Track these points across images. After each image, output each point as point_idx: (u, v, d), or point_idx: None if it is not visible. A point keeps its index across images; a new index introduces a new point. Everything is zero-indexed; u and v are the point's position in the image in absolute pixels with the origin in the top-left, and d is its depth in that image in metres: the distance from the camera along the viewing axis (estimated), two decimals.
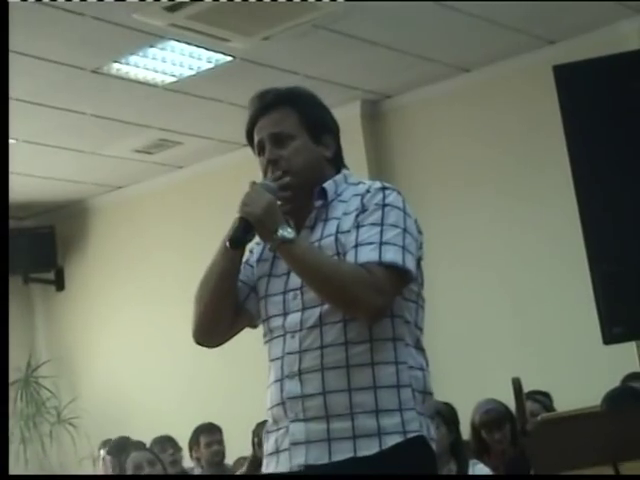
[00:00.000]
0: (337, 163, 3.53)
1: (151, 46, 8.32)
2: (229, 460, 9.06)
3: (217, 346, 3.56)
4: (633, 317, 2.53)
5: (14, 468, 10.48)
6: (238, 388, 10.01)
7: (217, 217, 9.12)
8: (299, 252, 3.29)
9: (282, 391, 3.30)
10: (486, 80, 9.27)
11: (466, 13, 8.23)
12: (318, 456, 3.24)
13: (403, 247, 3.26)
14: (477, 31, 8.56)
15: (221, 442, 9.04)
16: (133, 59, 8.51)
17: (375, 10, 8.00)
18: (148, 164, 10.73)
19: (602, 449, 3.07)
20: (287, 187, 3.39)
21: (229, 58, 8.65)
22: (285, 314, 3.34)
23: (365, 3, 7.82)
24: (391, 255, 3.23)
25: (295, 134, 3.46)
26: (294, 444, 3.27)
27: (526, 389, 5.61)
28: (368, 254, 3.24)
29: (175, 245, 10.75)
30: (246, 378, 9.90)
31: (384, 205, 3.32)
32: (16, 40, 7.89)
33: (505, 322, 8.84)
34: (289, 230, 3.28)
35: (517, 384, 2.87)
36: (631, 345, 4.37)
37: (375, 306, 3.23)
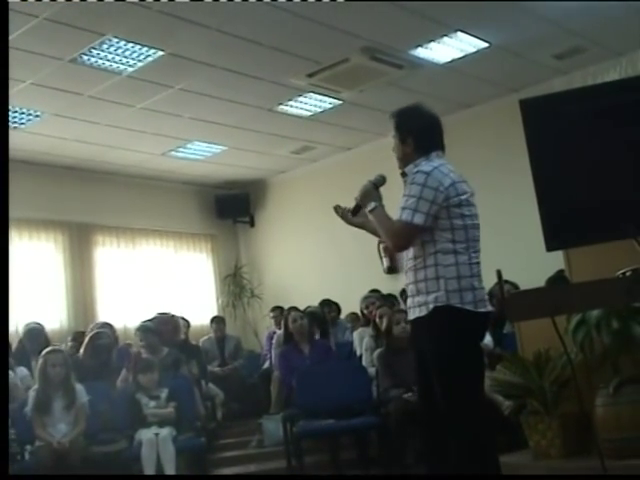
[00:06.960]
0: (420, 152, 3.38)
1: (299, 96, 8.35)
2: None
3: None
4: (563, 236, 2.52)
5: (229, 321, 10.19)
6: (358, 276, 9.97)
7: (337, 191, 9.06)
8: (374, 216, 3.37)
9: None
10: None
11: (513, 52, 7.71)
12: (414, 315, 3.34)
13: (414, 210, 3.20)
14: (519, 64, 7.96)
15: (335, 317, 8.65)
16: (289, 103, 8.55)
17: (423, 76, 7.90)
18: (298, 159, 10.71)
19: (546, 308, 3.05)
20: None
21: (341, 102, 8.64)
22: None
23: (412, 72, 7.75)
24: (405, 216, 3.22)
25: (394, 138, 3.46)
26: (409, 307, 3.39)
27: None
28: (398, 215, 3.27)
29: (313, 206, 10.68)
30: (361, 269, 9.94)
31: (412, 183, 3.27)
32: (225, 90, 8.00)
33: (488, 238, 8.62)
34: (373, 204, 3.35)
35: (499, 273, 2.87)
36: (560, 252, 4.35)
37: (395, 244, 3.34)
